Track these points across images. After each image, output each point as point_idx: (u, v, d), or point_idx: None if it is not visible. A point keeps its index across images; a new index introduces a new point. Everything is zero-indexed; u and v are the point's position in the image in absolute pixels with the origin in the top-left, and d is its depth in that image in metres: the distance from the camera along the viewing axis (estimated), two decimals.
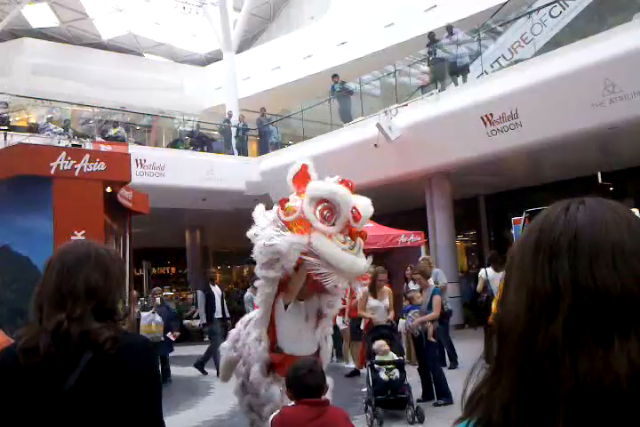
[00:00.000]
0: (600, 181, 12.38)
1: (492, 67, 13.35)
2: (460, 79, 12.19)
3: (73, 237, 3.28)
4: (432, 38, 12.60)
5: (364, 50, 18.16)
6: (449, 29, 12.21)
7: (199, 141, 15.97)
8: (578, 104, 9.76)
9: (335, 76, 14.66)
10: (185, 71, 24.72)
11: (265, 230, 3.64)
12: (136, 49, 25.30)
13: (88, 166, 3.38)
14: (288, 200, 3.81)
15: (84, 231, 3.27)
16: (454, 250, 13.39)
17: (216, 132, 17.35)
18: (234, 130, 16.42)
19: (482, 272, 9.31)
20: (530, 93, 10.31)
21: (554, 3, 12.61)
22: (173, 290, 19.89)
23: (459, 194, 13.62)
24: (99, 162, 3.42)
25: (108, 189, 3.63)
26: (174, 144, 16.16)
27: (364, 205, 3.82)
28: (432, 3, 17.25)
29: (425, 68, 14.22)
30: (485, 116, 11.01)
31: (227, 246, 23.54)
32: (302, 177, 3.88)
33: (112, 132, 14.82)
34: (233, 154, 15.88)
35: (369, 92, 15.67)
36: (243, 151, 16.06)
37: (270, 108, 17.25)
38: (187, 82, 23.99)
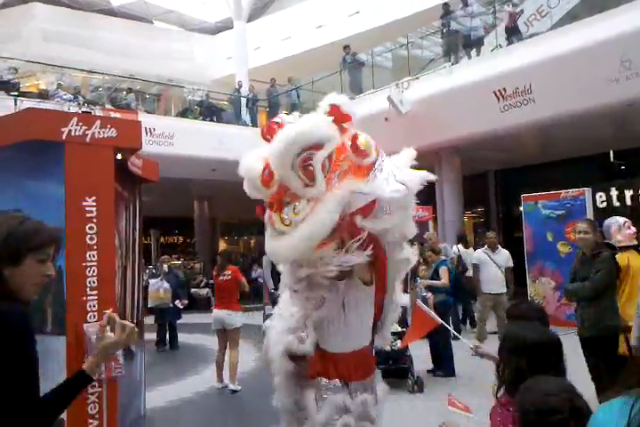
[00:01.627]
0: (612, 159, 12.30)
1: (507, 40, 13.12)
2: (473, 52, 11.99)
3: (84, 203, 3.32)
4: (446, 10, 12.35)
5: (377, 20, 17.88)
6: (464, 1, 11.96)
7: (208, 111, 15.89)
8: (593, 80, 9.61)
9: (347, 47, 14.47)
10: (195, 40, 24.41)
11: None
12: (146, 16, 24.96)
13: (99, 132, 3.38)
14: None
15: (94, 197, 3.30)
16: (462, 226, 13.40)
17: (226, 103, 17.23)
18: (244, 100, 16.31)
19: (454, 249, 10.39)
20: (544, 68, 10.15)
21: None
22: (181, 259, 20.11)
23: (468, 169, 13.56)
24: (110, 128, 3.41)
25: (119, 156, 3.65)
26: (184, 113, 16.10)
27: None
28: None
29: (438, 39, 14.02)
30: (498, 90, 10.88)
31: (235, 217, 23.66)
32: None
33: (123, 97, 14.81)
34: (243, 125, 15.80)
35: (380, 65, 15.48)
36: (253, 122, 15.98)
37: (280, 79, 17.09)
38: (197, 51, 23.72)
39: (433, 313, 3.76)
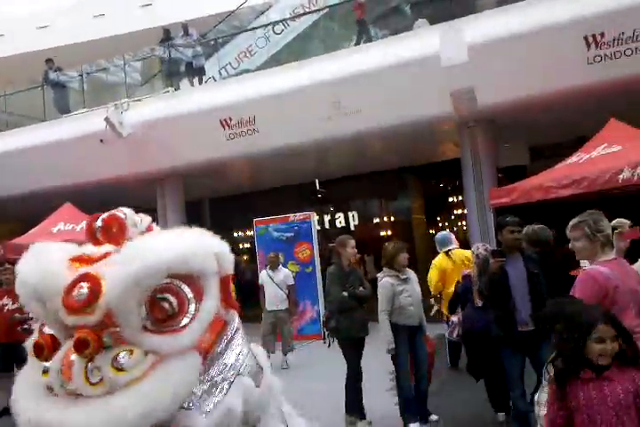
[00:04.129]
0: (317, 187, 13.79)
1: (220, 74, 13.69)
2: (195, 80, 12.13)
3: None
4: (167, 35, 12.25)
5: (81, 35, 16.62)
6: (184, 28, 12.05)
7: None
8: (308, 117, 10.69)
9: (50, 60, 13.02)
10: None
11: None
12: None
13: None
14: None
15: None
16: None
17: None
18: None
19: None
20: (266, 102, 10.87)
21: (278, 22, 13.62)
22: None
23: (188, 197, 13.47)
24: None
25: None
26: None
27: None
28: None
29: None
30: (224, 119, 11.19)
31: None
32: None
33: None
34: None
35: (97, 83, 14.37)
36: None
37: None
38: None
39: None
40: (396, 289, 4.94)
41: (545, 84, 8.82)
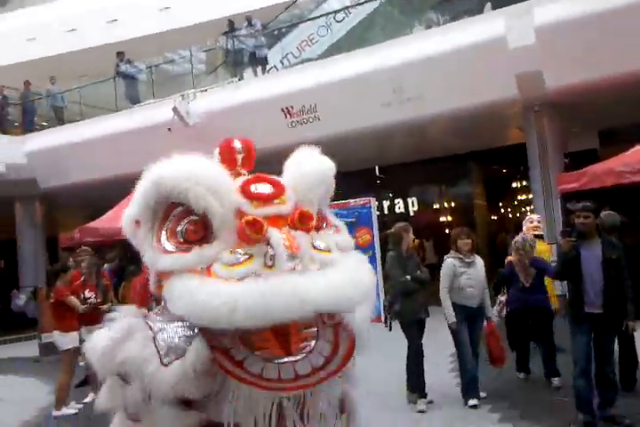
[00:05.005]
0: (377, 173, 13.88)
1: (282, 63, 13.90)
2: (259, 70, 12.38)
3: None
4: (231, 26, 12.54)
5: (146, 29, 17.20)
6: (248, 19, 12.30)
7: None
8: (369, 103, 10.75)
9: (120, 53, 13.58)
10: None
11: None
12: None
13: None
14: None
15: None
16: None
17: None
18: None
19: None
20: (328, 89, 11.00)
21: (340, 10, 13.65)
22: None
23: None
24: None
25: None
26: None
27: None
28: None
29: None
30: (286, 107, 11.41)
31: None
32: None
33: None
34: None
35: (164, 74, 14.89)
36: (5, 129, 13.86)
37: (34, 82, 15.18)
38: None
39: None
40: (457, 270, 5.22)
41: (616, 65, 8.55)
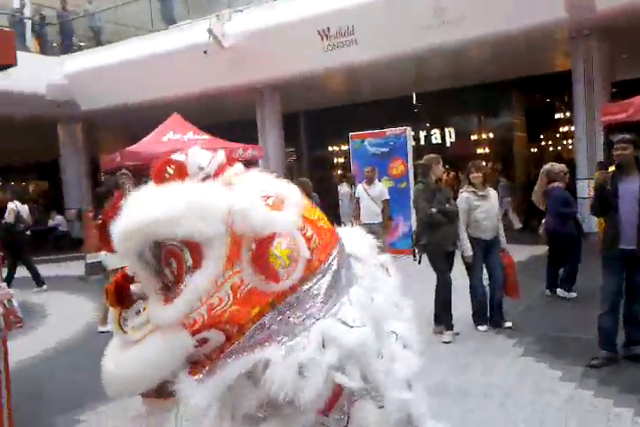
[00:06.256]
0: (414, 101, 13.55)
1: None
2: None
3: None
4: None
5: None
6: None
7: None
8: (407, 26, 10.33)
9: None
10: None
11: None
12: None
13: None
14: None
15: None
16: (283, 166, 13.63)
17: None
18: (28, 23, 14.02)
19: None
20: (365, 11, 10.59)
21: None
22: None
23: (285, 109, 13.71)
24: None
25: None
26: None
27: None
28: None
29: None
30: (322, 30, 11.08)
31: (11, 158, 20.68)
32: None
33: None
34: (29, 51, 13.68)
35: None
36: (43, 50, 13.92)
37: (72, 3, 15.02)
38: None
39: None
40: (472, 204, 5.27)
41: None
